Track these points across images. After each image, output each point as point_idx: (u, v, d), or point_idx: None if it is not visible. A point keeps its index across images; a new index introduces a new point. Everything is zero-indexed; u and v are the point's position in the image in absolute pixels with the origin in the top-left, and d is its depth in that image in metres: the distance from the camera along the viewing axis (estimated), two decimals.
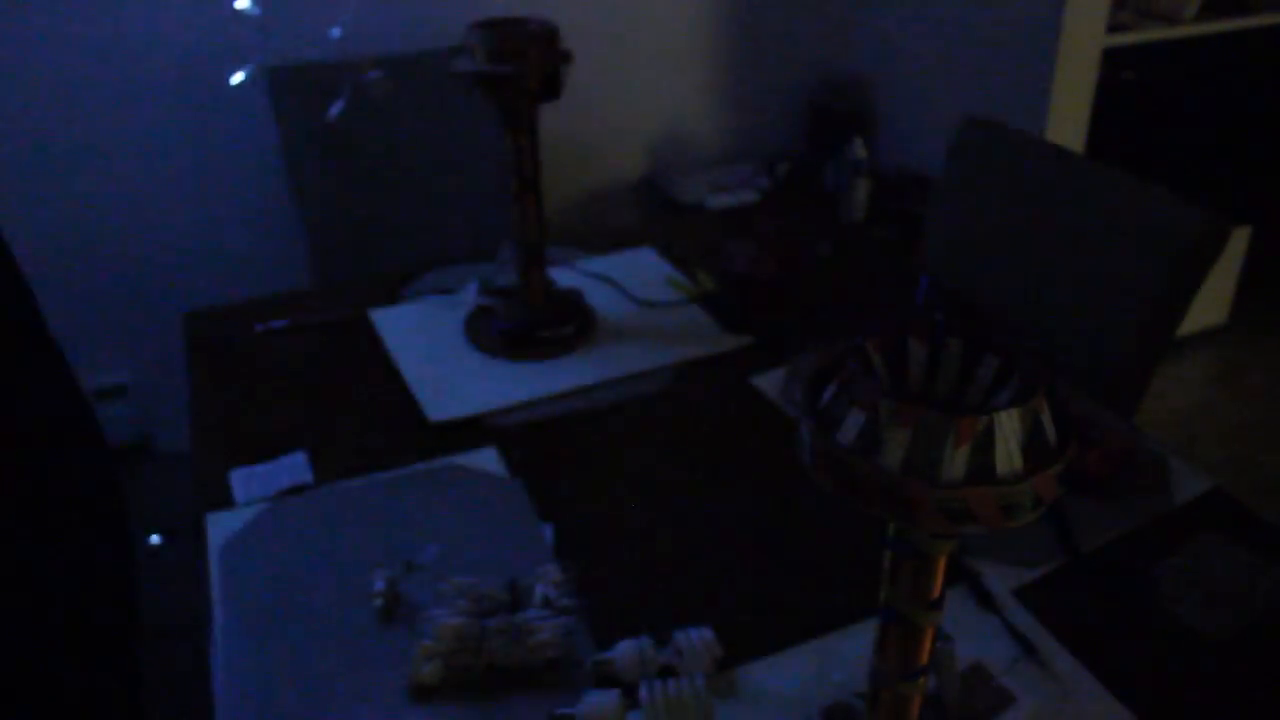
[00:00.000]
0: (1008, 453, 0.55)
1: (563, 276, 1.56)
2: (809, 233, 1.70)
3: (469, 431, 1.20)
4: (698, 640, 0.88)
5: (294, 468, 1.14)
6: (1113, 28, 2.26)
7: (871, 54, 2.72)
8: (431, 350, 1.37)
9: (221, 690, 0.87)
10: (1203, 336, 2.83)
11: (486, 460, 1.15)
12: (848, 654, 0.89)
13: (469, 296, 1.49)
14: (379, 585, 0.94)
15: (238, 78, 1.86)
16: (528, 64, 1.20)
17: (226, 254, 2.32)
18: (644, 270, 1.58)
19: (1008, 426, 0.54)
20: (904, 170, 2.62)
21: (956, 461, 0.54)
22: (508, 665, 0.88)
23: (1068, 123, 2.24)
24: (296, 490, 1.10)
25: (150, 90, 2.12)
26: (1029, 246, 1.50)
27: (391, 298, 1.50)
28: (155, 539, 2.13)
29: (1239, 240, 2.73)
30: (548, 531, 1.03)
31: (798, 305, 1.47)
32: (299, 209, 2.02)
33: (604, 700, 0.83)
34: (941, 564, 0.64)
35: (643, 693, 0.83)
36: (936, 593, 0.65)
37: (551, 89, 1.24)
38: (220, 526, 1.05)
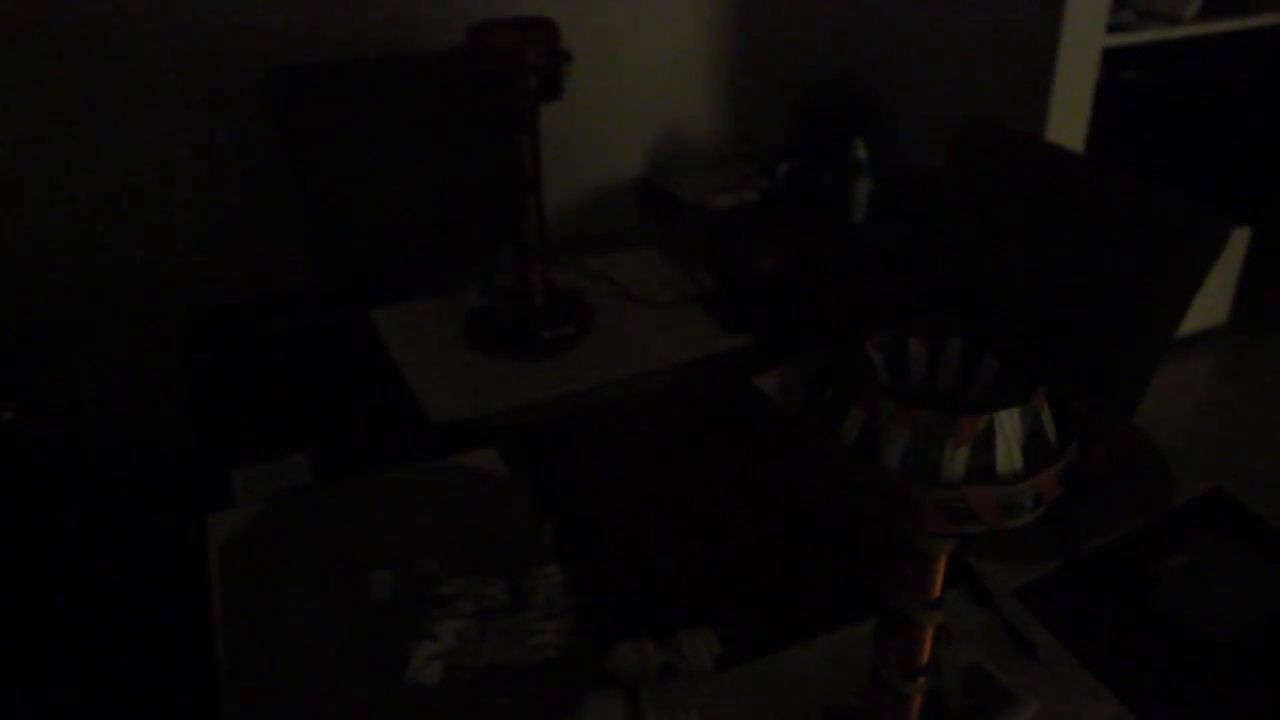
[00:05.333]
0: (1008, 452, 0.55)
1: (563, 276, 1.56)
2: (809, 233, 1.70)
3: (469, 431, 1.20)
4: (698, 640, 0.88)
5: (294, 468, 1.14)
6: (1113, 28, 2.26)
7: (871, 54, 2.72)
8: (431, 350, 1.37)
9: (222, 690, 0.87)
10: (1203, 336, 2.83)
11: (486, 460, 1.15)
12: (848, 654, 0.89)
13: (469, 296, 1.50)
14: (379, 585, 0.94)
15: None
16: (528, 64, 1.20)
17: (226, 254, 2.32)
18: (644, 270, 1.58)
19: (1008, 426, 0.54)
20: (904, 170, 2.62)
21: (956, 461, 0.54)
22: (508, 665, 0.88)
23: (1068, 123, 2.24)
24: (296, 490, 1.10)
25: (150, 90, 2.12)
26: (1029, 247, 1.50)
27: (391, 298, 1.50)
28: None
29: (1239, 240, 2.73)
30: (548, 531, 1.03)
31: (798, 305, 1.47)
32: (299, 209, 2.03)
33: (604, 701, 0.82)
34: (941, 564, 0.64)
35: (643, 693, 0.83)
36: (936, 593, 0.65)
37: (551, 89, 1.24)
38: (220, 526, 1.05)
